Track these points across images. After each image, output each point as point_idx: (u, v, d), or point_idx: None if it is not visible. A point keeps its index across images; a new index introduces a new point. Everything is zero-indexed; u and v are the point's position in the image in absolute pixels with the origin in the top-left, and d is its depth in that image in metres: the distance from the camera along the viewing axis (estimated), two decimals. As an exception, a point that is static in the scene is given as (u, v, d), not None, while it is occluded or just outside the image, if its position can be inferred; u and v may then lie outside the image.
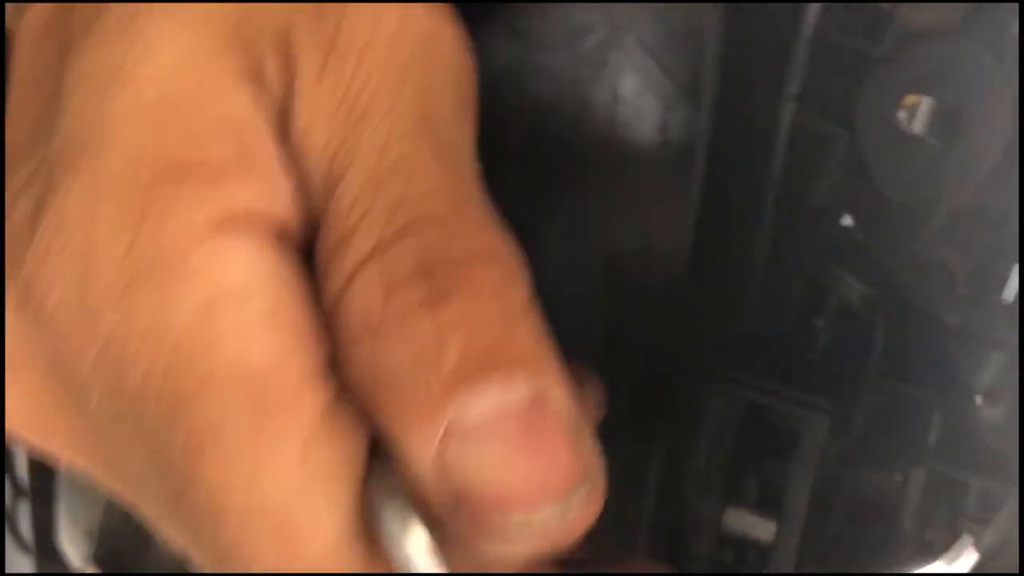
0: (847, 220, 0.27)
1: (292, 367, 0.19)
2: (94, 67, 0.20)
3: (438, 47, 0.21)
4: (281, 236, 0.20)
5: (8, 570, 0.75)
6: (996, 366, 0.25)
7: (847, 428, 0.27)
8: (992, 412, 0.26)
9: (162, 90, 0.19)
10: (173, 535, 0.21)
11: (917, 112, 0.24)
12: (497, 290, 0.19)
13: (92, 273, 0.19)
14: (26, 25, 0.21)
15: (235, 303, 0.19)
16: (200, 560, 0.21)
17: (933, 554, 0.28)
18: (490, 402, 0.18)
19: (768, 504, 0.28)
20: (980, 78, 0.24)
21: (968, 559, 0.27)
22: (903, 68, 0.24)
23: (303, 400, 0.19)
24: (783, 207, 0.29)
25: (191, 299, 0.19)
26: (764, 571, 0.27)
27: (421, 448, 0.18)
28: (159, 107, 0.19)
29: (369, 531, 0.19)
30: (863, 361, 0.27)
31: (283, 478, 0.18)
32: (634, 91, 0.33)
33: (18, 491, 0.71)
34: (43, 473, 0.69)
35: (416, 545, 0.18)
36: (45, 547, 0.72)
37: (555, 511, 0.18)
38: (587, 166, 0.34)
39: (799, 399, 0.26)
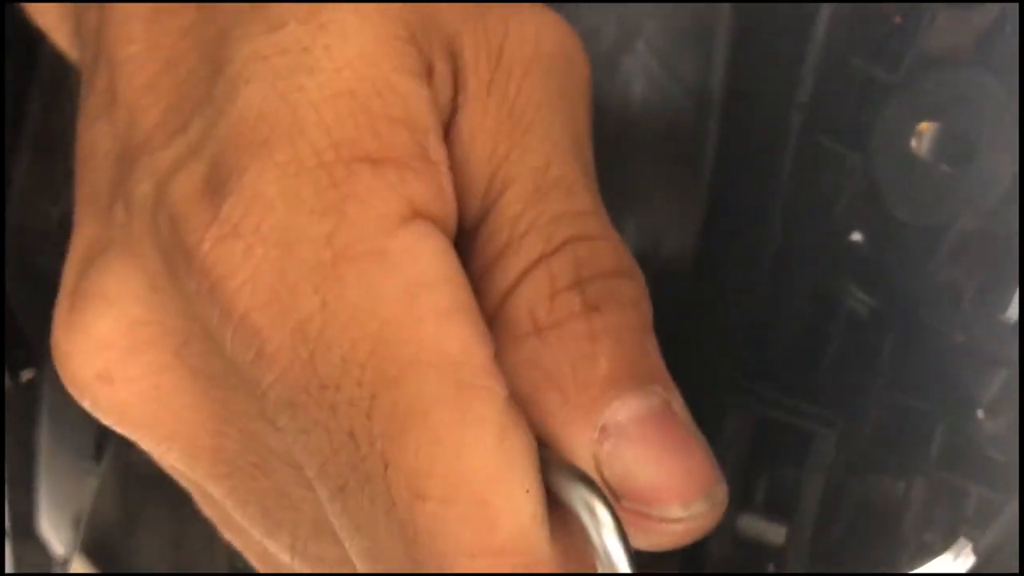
0: (857, 236, 0.28)
1: (483, 354, 0.20)
2: (272, 52, 0.20)
3: (578, 62, 0.23)
4: (447, 231, 0.21)
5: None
6: (999, 382, 0.26)
7: (854, 437, 0.28)
8: (993, 425, 0.27)
9: (351, 80, 0.20)
10: (311, 536, 0.22)
11: (929, 138, 0.25)
12: (637, 303, 0.21)
13: (293, 251, 0.19)
14: (131, 10, 0.22)
15: (431, 292, 0.20)
16: (364, 561, 0.20)
17: (932, 555, 0.29)
18: (634, 408, 0.20)
19: (778, 509, 0.29)
20: (992, 107, 0.24)
21: (966, 561, 0.29)
22: (918, 95, 0.25)
23: (496, 385, 0.20)
24: (792, 217, 0.30)
25: (395, 284, 0.19)
26: (775, 572, 0.28)
27: (581, 444, 0.20)
28: (350, 96, 0.20)
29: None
30: (871, 373, 0.28)
31: (484, 459, 0.19)
32: (643, 95, 0.33)
33: (-5, 475, 0.68)
34: (22, 457, 0.68)
35: (607, 522, 0.19)
36: (23, 533, 0.71)
37: (705, 504, 0.20)
38: (596, 169, 0.34)
39: (809, 412, 0.27)
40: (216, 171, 0.20)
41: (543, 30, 0.22)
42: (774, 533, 0.29)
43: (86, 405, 0.23)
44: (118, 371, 0.22)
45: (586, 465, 0.20)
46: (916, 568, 0.29)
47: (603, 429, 0.20)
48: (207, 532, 0.53)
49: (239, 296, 0.20)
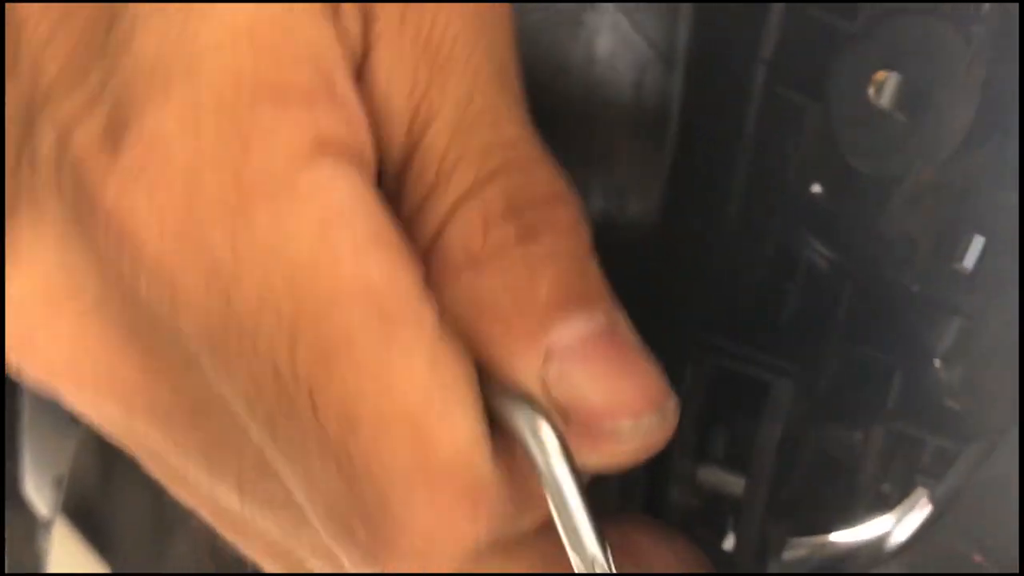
0: (816, 188, 0.28)
1: (407, 282, 0.20)
2: (153, 7, 0.20)
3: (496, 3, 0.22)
4: (362, 165, 0.21)
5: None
6: (954, 330, 0.26)
7: (812, 388, 0.28)
8: (949, 374, 0.27)
9: (249, 20, 0.20)
10: (257, 478, 0.22)
11: (887, 87, 0.25)
12: (573, 228, 0.22)
13: (199, 192, 0.19)
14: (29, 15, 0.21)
15: (347, 223, 0.20)
16: (303, 494, 0.21)
17: (889, 507, 0.30)
18: (580, 329, 0.20)
19: (737, 461, 0.29)
20: (949, 56, 0.24)
21: (922, 512, 0.29)
22: (875, 44, 0.25)
23: (424, 311, 0.20)
24: (755, 171, 0.30)
25: (307, 219, 0.19)
26: (735, 522, 0.29)
27: (527, 369, 0.20)
28: (248, 36, 0.20)
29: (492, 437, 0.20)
30: (828, 325, 0.28)
31: (416, 383, 0.19)
32: (609, 52, 0.33)
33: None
34: (5, 420, 0.68)
35: (552, 443, 0.20)
36: (9, 496, 0.71)
37: (655, 418, 0.21)
38: (561, 126, 0.34)
39: (766, 363, 0.27)
40: (116, 117, 0.20)
41: None
42: (733, 484, 0.29)
43: (16, 371, 0.23)
44: (39, 332, 0.22)
45: (534, 389, 0.20)
46: (871, 519, 0.30)
47: (548, 352, 0.20)
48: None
49: (147, 242, 0.19)
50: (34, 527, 0.71)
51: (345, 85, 0.21)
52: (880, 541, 0.30)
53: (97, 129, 0.20)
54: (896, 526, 0.29)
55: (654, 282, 0.32)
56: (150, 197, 0.19)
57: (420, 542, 0.20)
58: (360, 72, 0.21)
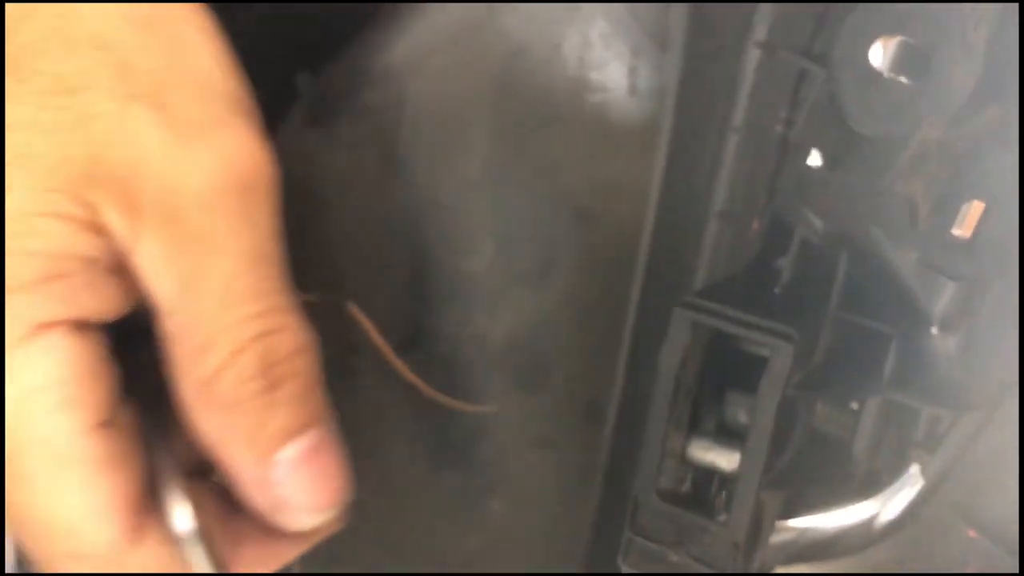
0: (815, 159, 0.28)
1: (78, 431, 0.27)
2: None
3: (262, 183, 0.28)
4: (81, 327, 0.27)
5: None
6: (951, 296, 0.26)
7: (808, 357, 0.28)
8: (945, 342, 0.27)
9: (6, 225, 0.26)
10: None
11: (889, 51, 0.26)
12: (307, 370, 0.29)
13: None
14: None
15: (42, 394, 0.27)
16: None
17: (882, 482, 0.29)
18: (298, 446, 0.29)
19: (731, 433, 0.29)
20: (951, 20, 0.25)
21: (914, 488, 0.29)
22: (878, 8, 0.25)
23: (82, 453, 0.27)
24: (750, 146, 0.30)
25: (15, 389, 0.27)
26: (727, 496, 0.28)
27: (257, 474, 0.29)
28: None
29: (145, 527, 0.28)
30: (825, 294, 0.28)
31: (74, 503, 0.27)
32: (604, 34, 0.33)
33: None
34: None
35: (192, 536, 0.28)
36: None
37: (333, 512, 0.30)
38: (557, 107, 0.34)
39: (766, 327, 0.26)
40: None
41: (226, 158, 0.28)
42: (726, 459, 0.29)
43: None
44: None
45: (256, 489, 0.29)
46: (867, 498, 0.29)
47: (274, 464, 0.29)
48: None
49: None
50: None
51: (73, 269, 0.27)
52: (872, 520, 0.30)
53: None
54: (889, 502, 0.29)
55: (649, 256, 0.32)
56: None
57: None
58: (128, 258, 0.27)
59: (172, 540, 0.28)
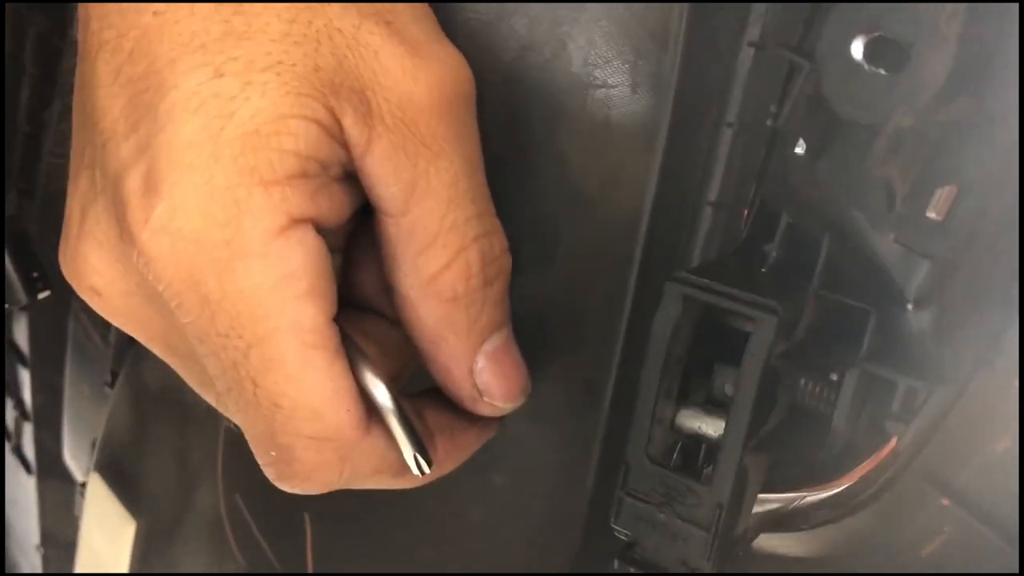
0: (800, 147, 0.30)
1: (321, 321, 0.30)
2: (209, 95, 0.28)
3: (471, 98, 0.32)
4: (321, 229, 0.30)
5: (10, 488, 0.80)
6: (925, 274, 0.28)
7: (791, 333, 0.29)
8: (920, 318, 0.28)
9: (259, 123, 0.28)
10: (221, 404, 0.33)
11: (870, 44, 0.27)
12: (507, 273, 0.33)
13: (203, 249, 0.28)
14: (105, 42, 0.30)
15: (294, 282, 0.29)
16: (241, 427, 0.32)
17: (859, 455, 0.31)
18: (493, 343, 0.33)
19: (718, 404, 0.30)
20: (926, 16, 0.27)
21: (890, 459, 0.30)
22: (859, 6, 0.27)
23: (327, 342, 0.30)
24: (743, 141, 0.32)
25: (268, 277, 0.29)
26: (712, 463, 0.30)
27: (468, 364, 0.32)
28: (255, 135, 0.28)
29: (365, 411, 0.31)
30: (808, 274, 0.30)
31: (317, 387, 0.30)
32: (607, 34, 0.35)
33: (23, 414, 0.74)
34: (47, 394, 0.73)
35: (395, 414, 0.32)
36: (47, 467, 0.75)
37: (521, 400, 0.34)
38: (563, 104, 0.36)
39: (752, 300, 0.28)
40: (152, 176, 0.29)
41: (444, 76, 0.31)
42: (712, 425, 0.30)
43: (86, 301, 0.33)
44: (103, 288, 0.32)
45: (465, 376, 0.33)
46: (846, 468, 0.31)
47: (482, 354, 0.33)
48: (207, 447, 0.55)
49: (164, 271, 0.29)
50: (72, 494, 0.73)
51: (320, 172, 0.29)
52: (848, 491, 0.31)
53: (139, 180, 0.29)
54: (865, 474, 0.31)
55: (645, 247, 0.34)
56: (171, 246, 0.29)
57: (306, 472, 0.31)
58: (360, 162, 0.30)
59: (386, 426, 0.31)
